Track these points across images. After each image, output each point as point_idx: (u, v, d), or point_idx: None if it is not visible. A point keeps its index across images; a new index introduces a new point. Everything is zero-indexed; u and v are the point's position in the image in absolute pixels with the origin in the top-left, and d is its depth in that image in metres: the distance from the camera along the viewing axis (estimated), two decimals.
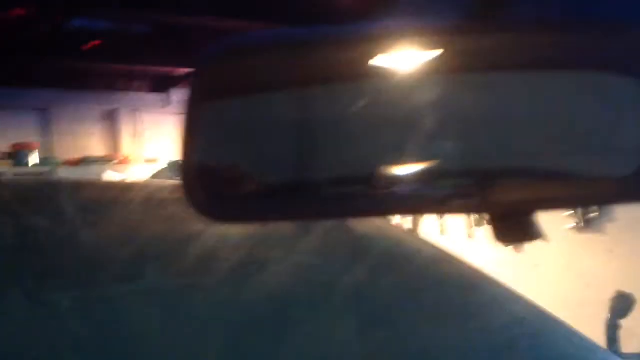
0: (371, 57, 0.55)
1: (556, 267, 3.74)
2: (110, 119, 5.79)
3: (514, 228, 0.57)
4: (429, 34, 0.55)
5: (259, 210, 0.54)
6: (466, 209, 0.64)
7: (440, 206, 0.61)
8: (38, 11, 4.03)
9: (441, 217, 5.20)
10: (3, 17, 4.09)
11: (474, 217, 4.94)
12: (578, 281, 3.58)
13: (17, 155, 4.99)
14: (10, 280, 0.80)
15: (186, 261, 0.84)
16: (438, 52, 0.58)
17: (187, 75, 5.77)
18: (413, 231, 4.37)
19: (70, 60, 4.96)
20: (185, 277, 0.82)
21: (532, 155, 0.62)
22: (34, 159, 5.00)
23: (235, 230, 0.91)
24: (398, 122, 0.61)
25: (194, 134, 0.52)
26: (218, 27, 4.76)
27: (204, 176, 0.53)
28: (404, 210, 0.72)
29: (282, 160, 0.56)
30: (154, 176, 4.61)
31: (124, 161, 5.39)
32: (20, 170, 4.89)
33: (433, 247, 1.09)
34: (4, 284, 0.80)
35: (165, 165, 4.88)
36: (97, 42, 4.58)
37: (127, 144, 5.74)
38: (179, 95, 6.07)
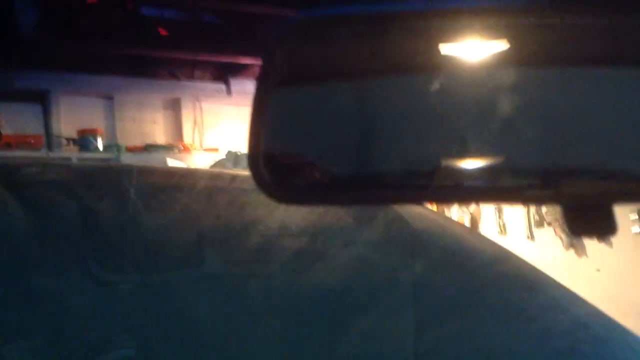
0: (442, 42, 0.54)
1: (619, 273, 3.64)
2: (173, 108, 5.89)
3: (591, 219, 0.54)
4: (501, 19, 0.53)
5: (322, 195, 0.54)
6: (539, 200, 0.62)
7: (513, 196, 0.59)
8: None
9: (501, 216, 5.11)
10: (75, 4, 4.22)
11: (534, 218, 4.84)
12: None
13: (83, 140, 5.11)
14: (74, 262, 0.82)
15: (246, 249, 0.84)
16: (508, 43, 0.56)
17: (248, 65, 5.82)
18: (473, 230, 4.31)
19: (136, 48, 5.06)
20: (244, 265, 0.83)
21: (604, 150, 0.60)
22: (99, 144, 5.11)
23: (295, 220, 0.91)
24: (467, 113, 0.59)
25: (262, 117, 0.52)
26: (280, 16, 4.77)
27: (270, 160, 0.53)
28: (470, 199, 0.69)
29: (346, 149, 0.55)
30: (214, 165, 4.67)
31: (185, 149, 5.47)
32: (86, 155, 5.01)
33: (494, 245, 1.07)
34: (69, 265, 0.82)
35: (224, 156, 4.93)
36: (164, 32, 4.67)
37: (188, 133, 5.82)
38: (239, 85, 6.12)
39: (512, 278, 0.95)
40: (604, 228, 0.53)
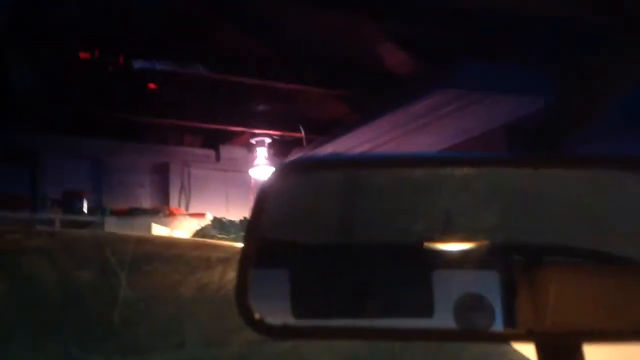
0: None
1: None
2: (160, 172, 5.88)
3: (560, 358, 0.57)
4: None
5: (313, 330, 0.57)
6: (512, 338, 0.66)
7: (485, 336, 0.62)
8: (103, 54, 4.20)
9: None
10: (71, 60, 4.26)
11: None
12: None
13: (68, 202, 5.07)
14: (51, 338, 0.78)
15: (228, 327, 0.81)
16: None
17: (238, 132, 5.86)
18: None
19: (127, 110, 5.10)
20: (225, 346, 0.79)
21: (574, 238, 0.62)
22: (84, 207, 5.07)
23: None
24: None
25: (250, 259, 0.55)
26: (272, 88, 4.85)
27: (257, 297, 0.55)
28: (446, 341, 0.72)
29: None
30: (199, 231, 4.63)
31: (171, 214, 5.44)
32: (70, 217, 4.97)
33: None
34: (45, 341, 0.79)
35: (211, 221, 4.90)
36: (153, 86, 4.71)
37: (175, 198, 5.81)
38: (228, 152, 6.15)
39: None
40: None
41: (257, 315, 0.52)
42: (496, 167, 0.59)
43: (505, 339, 0.61)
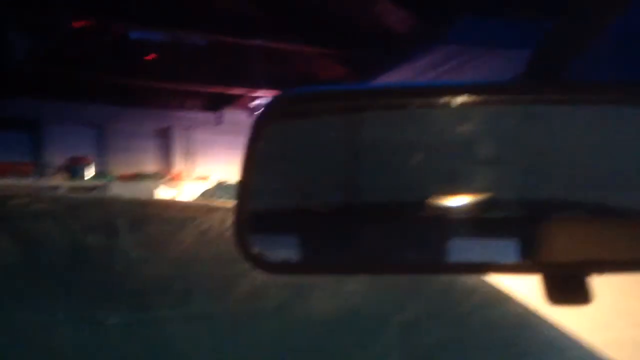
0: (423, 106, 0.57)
1: (606, 307, 3.64)
2: (163, 137, 5.90)
3: (568, 289, 0.57)
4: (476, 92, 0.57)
5: (307, 262, 0.56)
6: (518, 270, 0.64)
7: (493, 267, 0.61)
8: (99, 23, 4.18)
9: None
10: (66, 29, 4.25)
11: None
12: (629, 320, 3.47)
13: (73, 168, 5.11)
14: (62, 298, 0.81)
15: (236, 285, 0.85)
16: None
17: (239, 95, 5.86)
18: None
19: (126, 76, 5.09)
20: (235, 303, 0.83)
21: (580, 191, 0.61)
22: (89, 173, 5.11)
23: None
24: (449, 151, 0.61)
25: (248, 188, 0.54)
26: (271, 49, 4.83)
27: (256, 230, 0.55)
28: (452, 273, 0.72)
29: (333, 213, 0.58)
30: (204, 194, 4.67)
31: (176, 178, 5.48)
32: (76, 183, 5.01)
33: (487, 285, 1.07)
34: (56, 301, 0.82)
35: (215, 184, 4.93)
36: (154, 55, 4.70)
37: (179, 162, 5.84)
38: (230, 115, 6.16)
39: (507, 320, 0.95)
40: (581, 298, 0.55)
41: (255, 250, 0.52)
42: (502, 95, 0.57)
43: (514, 270, 0.60)
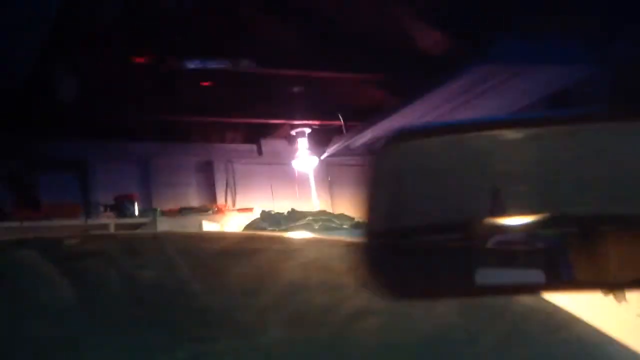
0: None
1: None
2: (205, 170, 5.97)
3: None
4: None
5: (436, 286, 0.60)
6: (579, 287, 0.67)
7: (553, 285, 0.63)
8: (156, 57, 4.30)
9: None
10: (122, 65, 4.37)
11: None
12: None
13: (120, 206, 5.18)
14: (124, 334, 0.82)
15: (296, 313, 0.85)
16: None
17: (278, 125, 5.91)
18: None
19: (170, 112, 5.19)
20: (296, 329, 0.83)
21: (628, 204, 0.62)
22: (135, 210, 5.18)
23: (346, 281, 0.92)
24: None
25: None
26: (308, 78, 4.87)
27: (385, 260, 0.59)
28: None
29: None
30: (248, 226, 4.70)
31: (220, 211, 5.52)
32: (123, 221, 5.08)
33: (554, 307, 1.05)
34: (119, 338, 0.83)
35: (260, 214, 4.96)
36: (209, 83, 4.79)
37: (222, 194, 5.89)
38: (270, 145, 6.21)
39: (581, 340, 0.94)
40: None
41: (383, 276, 0.55)
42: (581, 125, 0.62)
43: (576, 287, 0.62)
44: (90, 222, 5.08)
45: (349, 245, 1.24)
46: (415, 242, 0.64)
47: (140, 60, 4.27)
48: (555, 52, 4.05)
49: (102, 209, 5.25)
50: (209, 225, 5.04)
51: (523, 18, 3.90)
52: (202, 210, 5.48)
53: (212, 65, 4.37)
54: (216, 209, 5.57)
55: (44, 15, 3.37)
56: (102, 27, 3.91)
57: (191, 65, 4.28)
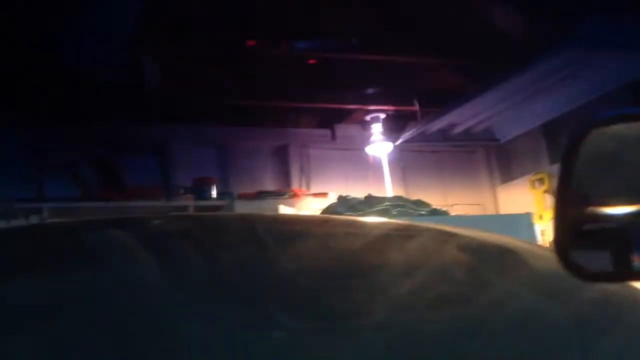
0: None
1: None
2: (281, 155, 6.03)
3: None
4: None
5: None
6: None
7: None
8: (267, 40, 4.41)
9: None
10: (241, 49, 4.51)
11: None
12: None
13: (198, 189, 5.30)
14: (214, 313, 0.84)
15: (381, 295, 0.86)
16: None
17: (352, 110, 5.91)
18: None
19: (246, 99, 5.27)
20: (381, 312, 0.84)
21: None
22: (213, 192, 5.29)
23: (434, 266, 0.93)
24: None
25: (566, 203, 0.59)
26: (385, 62, 4.85)
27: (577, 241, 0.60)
28: None
29: None
30: (325, 210, 4.73)
31: (295, 195, 5.58)
32: (201, 203, 5.19)
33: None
34: (208, 315, 0.85)
35: (337, 199, 4.98)
36: (314, 61, 4.86)
37: (296, 179, 5.94)
38: (343, 130, 6.22)
39: None
40: None
41: (575, 259, 0.56)
42: None
43: None
44: (171, 203, 5.23)
45: (435, 232, 1.24)
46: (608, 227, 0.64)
47: (252, 43, 4.37)
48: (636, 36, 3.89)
49: (181, 191, 5.38)
50: (285, 209, 5.11)
51: (608, 1, 3.76)
52: (279, 194, 5.54)
53: (318, 45, 4.44)
54: (292, 193, 5.63)
55: (133, 4, 3.49)
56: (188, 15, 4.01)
57: (300, 46, 4.37)
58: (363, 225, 1.23)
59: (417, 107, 5.64)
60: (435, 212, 4.49)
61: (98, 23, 3.72)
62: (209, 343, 0.82)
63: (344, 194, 5.15)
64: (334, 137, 6.23)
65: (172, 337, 0.84)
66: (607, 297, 0.86)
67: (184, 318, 0.88)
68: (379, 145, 5.94)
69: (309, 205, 5.51)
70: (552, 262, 0.64)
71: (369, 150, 5.98)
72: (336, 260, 1.01)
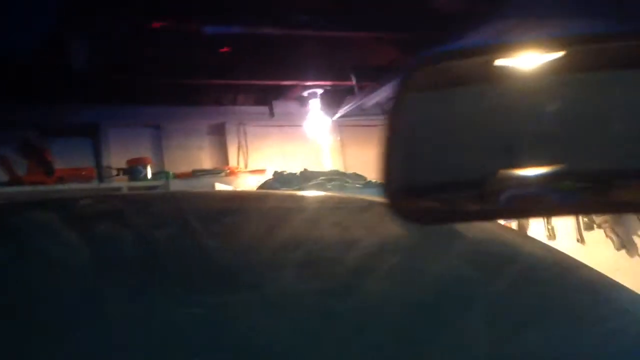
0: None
1: None
2: (218, 133, 5.97)
3: None
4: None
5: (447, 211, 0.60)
6: (590, 209, 0.67)
7: (561, 208, 0.63)
8: (174, 22, 4.26)
9: (549, 221, 5.02)
10: (143, 31, 4.34)
11: (584, 220, 4.74)
12: None
13: (132, 170, 5.21)
14: (136, 297, 0.82)
15: (305, 267, 0.85)
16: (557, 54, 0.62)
17: (289, 86, 5.88)
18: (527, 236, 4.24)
19: (181, 78, 5.16)
20: (304, 283, 0.83)
21: None
22: (148, 173, 5.20)
23: (348, 237, 0.92)
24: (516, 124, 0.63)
25: (392, 147, 0.57)
26: (320, 38, 4.82)
27: (404, 187, 0.58)
28: (525, 213, 0.73)
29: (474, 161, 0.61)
30: (261, 186, 4.71)
31: (232, 173, 5.53)
32: (136, 184, 5.11)
33: (555, 251, 1.05)
34: (130, 299, 0.83)
35: (271, 176, 4.97)
36: (228, 49, 4.74)
37: (234, 156, 5.89)
38: (282, 107, 6.18)
39: (579, 284, 0.93)
40: None
41: (403, 202, 0.55)
42: None
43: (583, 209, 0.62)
44: (104, 185, 5.11)
45: (362, 202, 1.24)
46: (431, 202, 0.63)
47: (157, 25, 4.22)
48: (574, 4, 3.97)
49: (115, 172, 5.28)
50: (221, 187, 5.06)
51: None
52: (215, 173, 5.49)
53: (231, 30, 4.32)
54: (228, 170, 5.58)
55: None
56: None
57: (210, 30, 4.24)
58: (285, 198, 1.21)
59: (354, 82, 5.64)
60: (370, 185, 4.53)
61: (19, 3, 3.57)
62: (131, 322, 0.80)
63: (283, 170, 5.13)
64: (272, 113, 6.19)
65: (95, 318, 0.83)
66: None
67: (107, 298, 0.87)
68: (317, 120, 5.94)
69: (246, 181, 5.48)
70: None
71: (307, 125, 5.98)
72: (260, 234, 0.99)
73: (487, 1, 4.09)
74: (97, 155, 5.45)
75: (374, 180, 4.71)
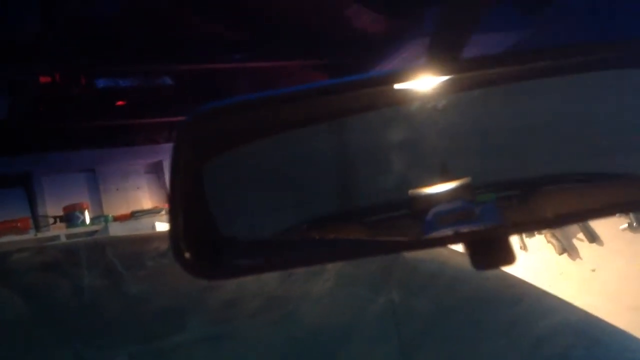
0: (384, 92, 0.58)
1: (614, 270, 3.65)
2: (155, 171, 5.91)
3: (491, 253, 0.57)
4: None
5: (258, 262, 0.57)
6: (439, 243, 0.65)
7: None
8: (64, 77, 4.17)
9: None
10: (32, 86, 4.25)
11: None
12: (638, 283, 3.48)
13: (69, 216, 5.11)
14: (64, 344, 0.82)
15: (227, 306, 0.85)
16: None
17: None
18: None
19: (105, 120, 5.10)
20: (225, 324, 0.84)
21: (565, 161, 0.62)
22: (85, 218, 5.11)
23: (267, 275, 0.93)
24: (418, 145, 0.63)
25: (178, 201, 0.55)
26: (246, 70, 4.85)
27: (193, 240, 0.56)
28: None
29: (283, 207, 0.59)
30: None
31: None
32: (73, 231, 5.00)
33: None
34: (59, 348, 0.83)
35: None
36: (123, 102, 4.71)
37: None
38: None
39: (496, 293, 0.96)
40: (505, 258, 0.56)
41: (188, 256, 0.53)
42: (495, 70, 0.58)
43: (430, 244, 0.60)
44: (41, 235, 4.99)
45: None
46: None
47: (46, 80, 4.14)
48: (489, 20, 4.10)
49: (52, 221, 5.16)
50: (162, 226, 5.00)
51: None
52: (154, 212, 5.42)
53: (125, 83, 4.28)
54: (167, 209, 5.51)
55: None
56: (22, 43, 3.78)
57: (100, 84, 4.17)
58: None
59: None
60: None
61: None
62: None
63: None
64: None
65: None
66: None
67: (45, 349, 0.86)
68: None
69: None
70: None
71: None
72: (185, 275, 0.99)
73: (412, 19, 4.19)
74: (32, 205, 5.32)
75: None
